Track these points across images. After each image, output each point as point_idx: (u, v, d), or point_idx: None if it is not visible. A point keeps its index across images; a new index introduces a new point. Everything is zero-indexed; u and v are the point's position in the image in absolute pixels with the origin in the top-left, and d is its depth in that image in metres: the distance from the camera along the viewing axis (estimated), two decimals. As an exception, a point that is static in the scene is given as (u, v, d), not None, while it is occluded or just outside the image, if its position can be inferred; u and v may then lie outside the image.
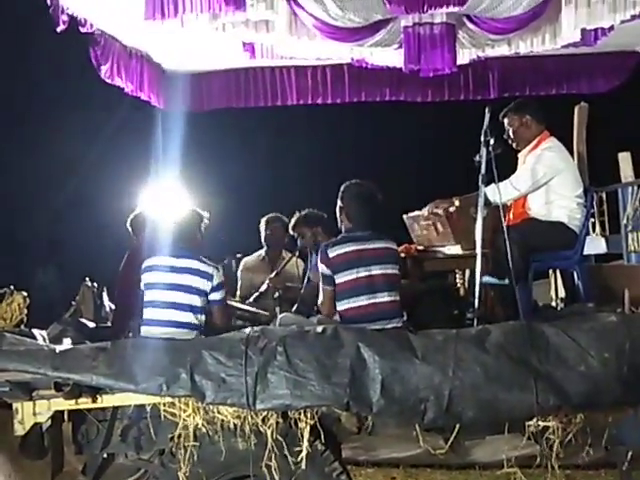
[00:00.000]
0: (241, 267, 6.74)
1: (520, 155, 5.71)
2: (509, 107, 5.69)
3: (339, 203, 5.01)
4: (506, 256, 4.65)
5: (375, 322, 4.56)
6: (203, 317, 4.75)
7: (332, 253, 4.77)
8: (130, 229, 5.87)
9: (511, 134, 5.63)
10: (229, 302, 5.72)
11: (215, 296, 4.79)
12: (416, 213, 6.02)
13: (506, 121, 5.65)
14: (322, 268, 4.82)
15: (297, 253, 6.19)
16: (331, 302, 4.84)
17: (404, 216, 6.19)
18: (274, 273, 6.00)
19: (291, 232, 6.08)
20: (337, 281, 4.75)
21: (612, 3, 5.28)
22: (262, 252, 6.73)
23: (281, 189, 9.98)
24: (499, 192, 4.85)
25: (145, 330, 4.69)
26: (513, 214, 5.55)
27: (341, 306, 4.74)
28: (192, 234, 4.92)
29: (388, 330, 4.42)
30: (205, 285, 4.73)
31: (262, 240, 6.67)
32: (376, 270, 4.73)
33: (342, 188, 5.01)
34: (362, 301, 4.69)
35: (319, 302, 4.95)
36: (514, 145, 5.64)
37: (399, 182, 9.86)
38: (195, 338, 4.52)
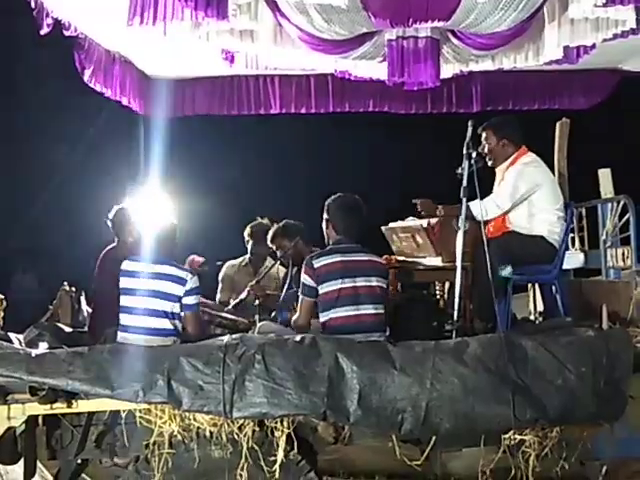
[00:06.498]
0: (223, 271, 6.72)
1: (498, 170, 5.73)
2: (488, 123, 5.72)
3: (325, 215, 4.96)
4: (486, 269, 4.67)
5: (357, 334, 4.46)
6: (179, 323, 4.71)
7: (317, 264, 4.73)
8: (110, 225, 5.75)
9: (486, 150, 5.66)
10: (208, 310, 5.70)
11: (188, 300, 4.71)
12: (393, 225, 6.01)
13: (483, 136, 5.69)
14: (305, 278, 4.77)
15: (279, 261, 6.17)
16: (308, 314, 4.80)
17: (382, 227, 6.17)
18: (254, 280, 5.98)
19: (270, 244, 6.06)
20: (321, 291, 4.71)
21: (595, 22, 5.33)
22: (246, 257, 6.72)
23: (263, 195, 9.98)
24: (481, 210, 4.87)
25: (122, 336, 4.65)
26: (494, 227, 5.57)
27: (324, 317, 4.70)
28: (171, 245, 4.91)
29: (367, 341, 4.41)
30: (179, 290, 4.69)
31: (246, 246, 6.66)
32: (361, 282, 4.70)
33: (328, 201, 4.97)
34: (345, 312, 4.65)
35: (296, 313, 4.91)
36: (488, 161, 5.63)
37: (380, 194, 9.87)
38: (173, 345, 4.48)
